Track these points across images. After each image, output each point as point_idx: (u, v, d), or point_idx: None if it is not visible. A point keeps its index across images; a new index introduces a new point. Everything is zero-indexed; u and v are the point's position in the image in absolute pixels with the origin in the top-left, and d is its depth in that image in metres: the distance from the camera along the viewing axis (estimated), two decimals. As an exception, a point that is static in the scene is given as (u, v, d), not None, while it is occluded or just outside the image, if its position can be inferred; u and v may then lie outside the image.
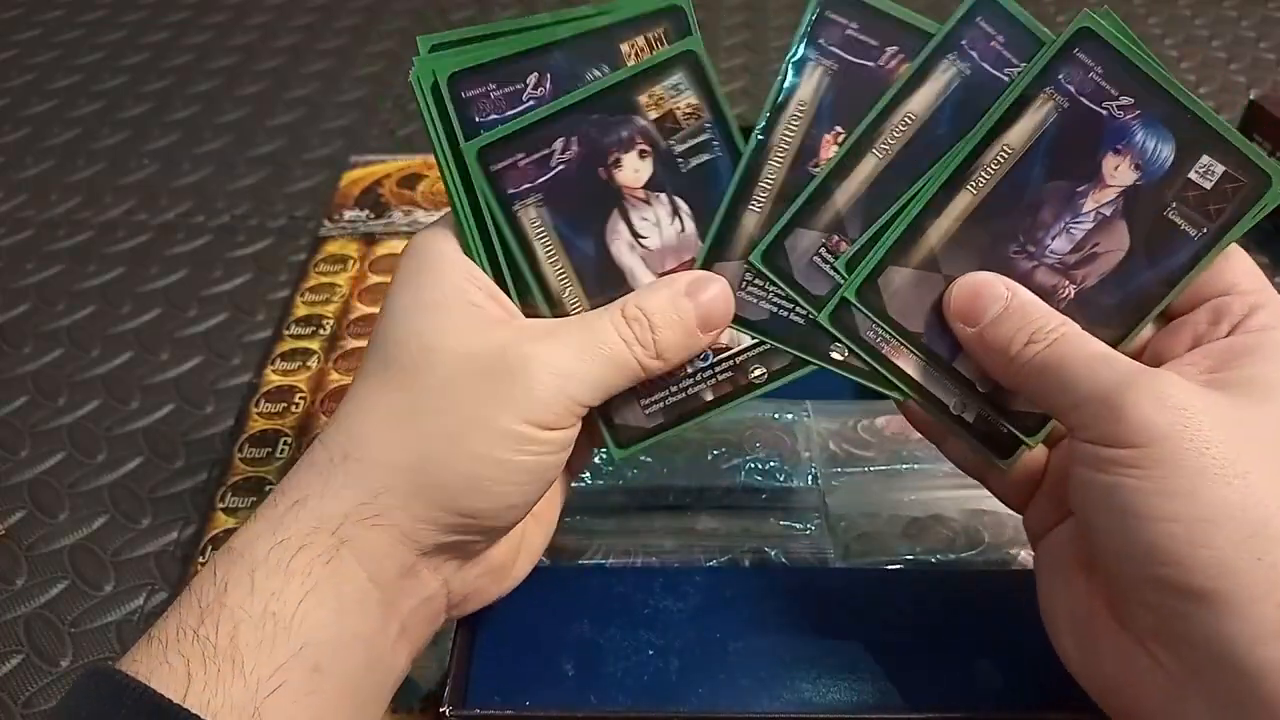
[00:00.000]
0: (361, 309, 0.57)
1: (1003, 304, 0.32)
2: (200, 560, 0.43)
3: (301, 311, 0.56)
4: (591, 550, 0.42)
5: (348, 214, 0.63)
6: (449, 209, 0.33)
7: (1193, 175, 0.31)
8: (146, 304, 0.58)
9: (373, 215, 0.63)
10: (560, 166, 0.33)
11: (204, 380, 0.53)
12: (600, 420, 0.34)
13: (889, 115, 0.32)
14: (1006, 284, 0.32)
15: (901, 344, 0.34)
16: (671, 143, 0.33)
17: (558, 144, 0.32)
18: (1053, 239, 0.32)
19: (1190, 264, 0.32)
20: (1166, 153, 0.31)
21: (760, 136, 0.33)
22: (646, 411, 0.34)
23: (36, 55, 0.81)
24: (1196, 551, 0.26)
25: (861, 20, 0.33)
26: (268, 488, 0.46)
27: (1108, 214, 0.32)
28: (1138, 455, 0.27)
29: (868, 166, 0.33)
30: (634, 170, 0.33)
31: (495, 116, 0.32)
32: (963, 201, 0.32)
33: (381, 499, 0.30)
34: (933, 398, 0.34)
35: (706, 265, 0.34)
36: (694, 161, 0.33)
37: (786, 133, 0.33)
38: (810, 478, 0.45)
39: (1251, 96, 0.63)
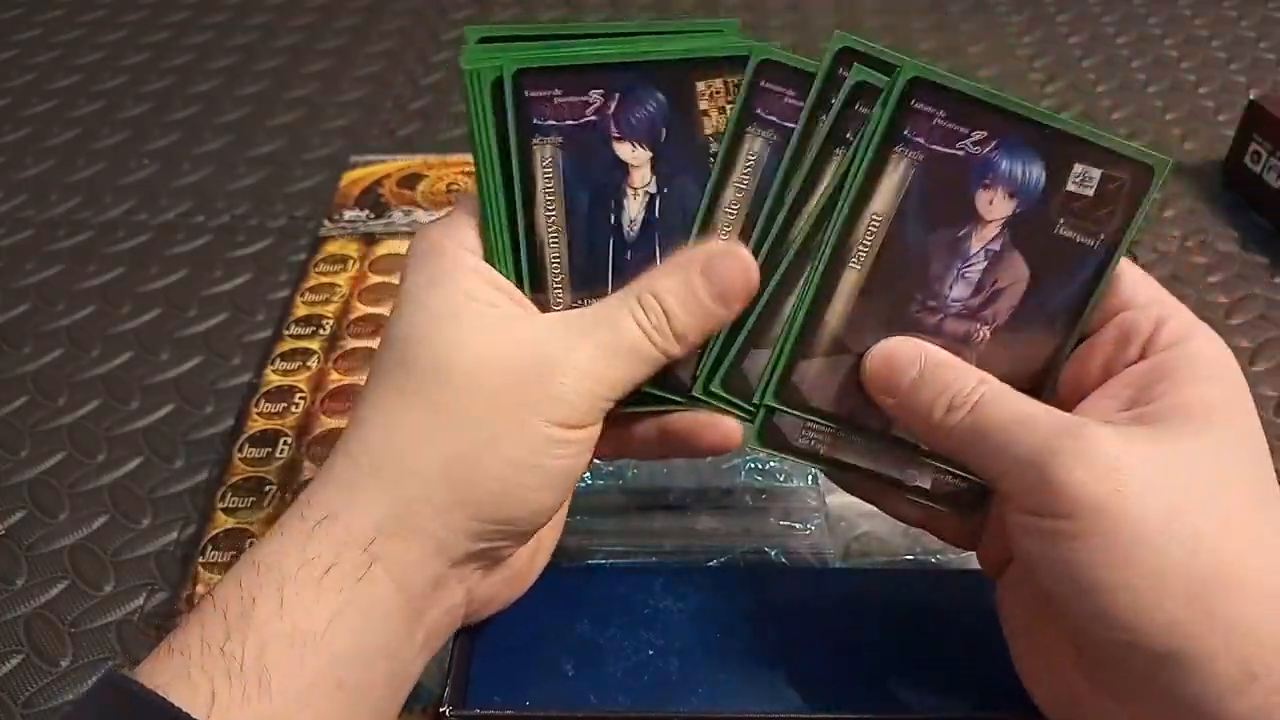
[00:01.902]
0: (361, 309, 0.57)
1: (916, 368, 0.31)
2: (200, 560, 0.43)
3: (301, 311, 0.56)
4: (591, 550, 0.42)
5: (348, 214, 0.63)
6: (450, 208, 0.33)
7: (1071, 187, 0.31)
8: (146, 304, 0.58)
9: (373, 215, 0.63)
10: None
11: (204, 380, 0.53)
12: None
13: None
14: (917, 346, 0.31)
15: (835, 432, 0.33)
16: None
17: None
18: (951, 288, 0.32)
19: (1099, 273, 0.31)
20: (1036, 173, 0.31)
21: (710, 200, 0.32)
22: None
23: (36, 55, 0.81)
24: (1148, 616, 0.26)
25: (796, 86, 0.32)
26: (268, 488, 0.46)
27: (997, 249, 0.31)
28: (1074, 527, 0.26)
29: (850, 279, 0.32)
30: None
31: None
32: (851, 279, 0.32)
33: (414, 510, 0.30)
34: (886, 478, 0.34)
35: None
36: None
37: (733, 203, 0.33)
38: (810, 478, 0.45)
39: (1251, 96, 0.63)
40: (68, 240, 0.63)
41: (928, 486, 0.34)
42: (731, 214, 0.32)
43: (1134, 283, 0.31)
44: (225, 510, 0.46)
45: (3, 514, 0.47)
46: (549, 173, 0.32)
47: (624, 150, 0.32)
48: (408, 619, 0.30)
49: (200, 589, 0.42)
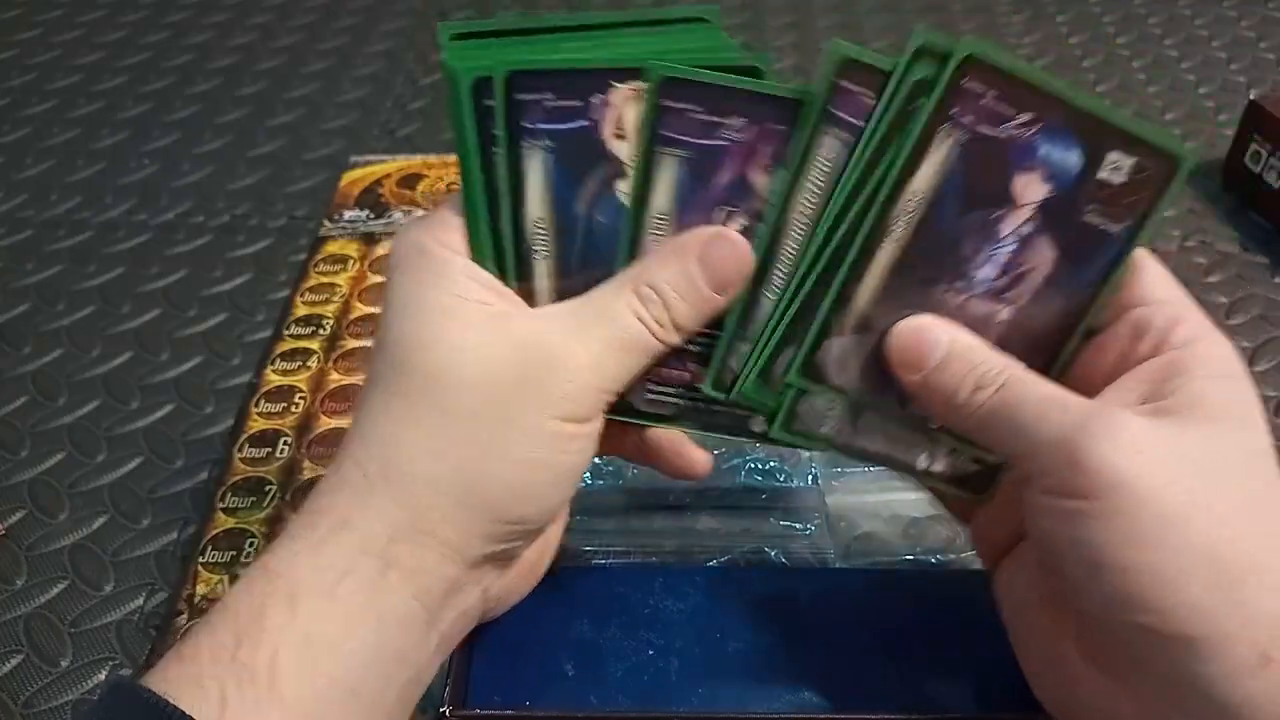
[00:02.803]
0: (361, 309, 0.57)
1: (944, 349, 0.31)
2: (200, 560, 0.43)
3: (301, 311, 0.56)
4: (591, 550, 0.42)
5: (348, 214, 0.63)
6: (436, 207, 0.33)
7: (1103, 174, 0.31)
8: (146, 304, 0.58)
9: (373, 215, 0.63)
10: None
11: (204, 380, 0.53)
12: None
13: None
14: (944, 327, 0.31)
15: (852, 417, 0.33)
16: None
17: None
18: (979, 269, 0.32)
19: (1117, 260, 0.31)
20: (1073, 159, 0.31)
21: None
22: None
23: (36, 55, 0.81)
24: (1168, 598, 0.26)
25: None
26: (268, 488, 0.46)
27: (1028, 232, 0.31)
28: (1099, 506, 0.27)
29: (883, 258, 0.32)
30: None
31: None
32: (884, 256, 0.31)
33: (427, 515, 0.29)
34: (901, 462, 0.34)
35: None
36: None
37: (658, 232, 0.32)
38: (810, 478, 0.45)
39: (1251, 96, 0.63)
40: (68, 240, 0.63)
41: (940, 470, 0.34)
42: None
43: (1152, 279, 0.31)
44: (225, 510, 0.46)
45: (3, 514, 0.47)
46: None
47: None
48: (424, 624, 0.30)
49: (200, 589, 0.42)
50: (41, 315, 0.58)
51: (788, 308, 0.32)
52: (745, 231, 0.32)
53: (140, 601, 0.43)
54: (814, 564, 0.42)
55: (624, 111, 0.31)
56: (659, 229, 0.32)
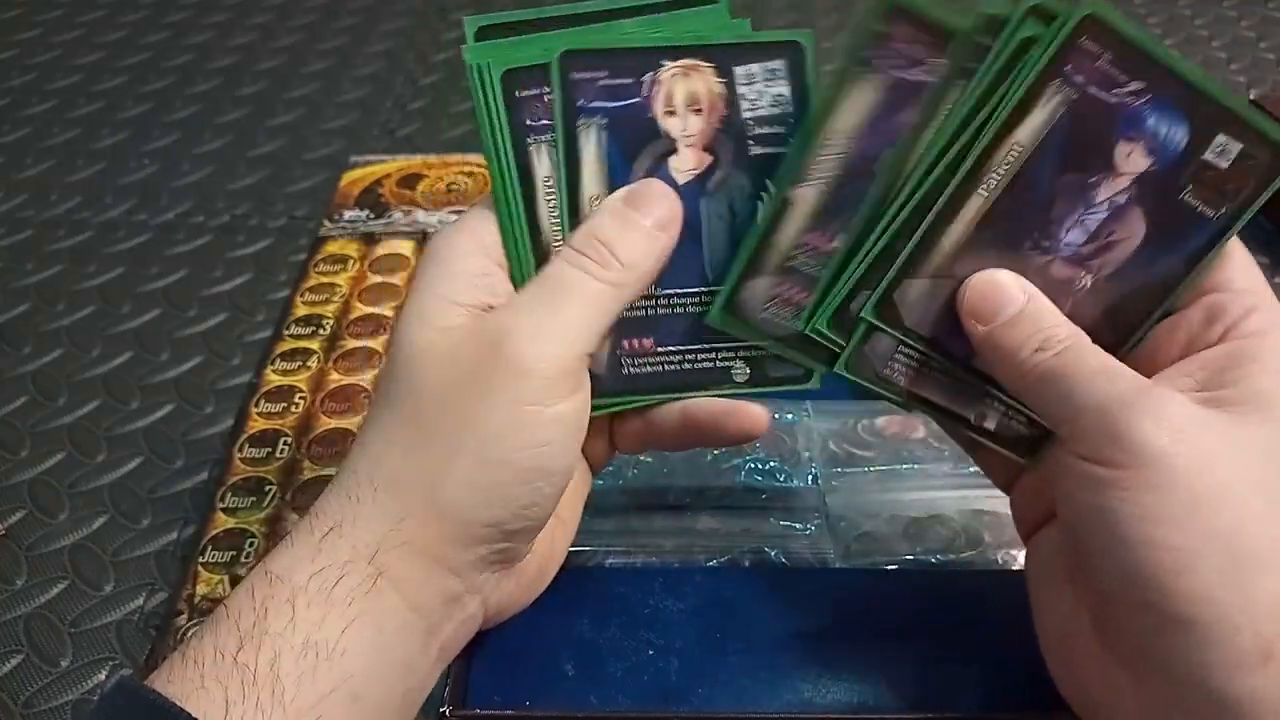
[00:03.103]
0: (361, 309, 0.57)
1: (1017, 307, 0.31)
2: (200, 560, 0.43)
3: (301, 311, 0.56)
4: (591, 550, 0.42)
5: (348, 214, 0.63)
6: (469, 208, 0.33)
7: (1208, 156, 0.31)
8: (146, 304, 0.58)
9: (373, 215, 0.63)
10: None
11: (204, 380, 0.53)
12: None
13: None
14: (1023, 287, 0.31)
15: (918, 363, 0.33)
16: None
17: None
18: (1067, 232, 0.32)
19: (1209, 245, 0.31)
20: (1180, 136, 0.31)
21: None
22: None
23: (36, 55, 0.81)
24: (1180, 579, 0.26)
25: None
26: (268, 488, 0.46)
27: (1122, 202, 0.31)
28: (1130, 477, 0.27)
29: (974, 205, 0.32)
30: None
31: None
32: (975, 204, 0.31)
33: (406, 525, 0.29)
34: (953, 414, 0.34)
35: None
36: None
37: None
38: (810, 478, 0.45)
39: (1251, 96, 0.63)
40: (68, 240, 0.63)
41: (993, 428, 0.34)
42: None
43: (1236, 266, 0.31)
44: (225, 510, 0.46)
45: (3, 514, 0.47)
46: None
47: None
48: (423, 633, 0.30)
49: (200, 589, 0.42)
50: (41, 315, 0.58)
51: (873, 247, 0.32)
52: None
53: (140, 601, 0.43)
54: (814, 564, 0.42)
55: (672, 88, 0.32)
56: (831, 148, 0.32)
